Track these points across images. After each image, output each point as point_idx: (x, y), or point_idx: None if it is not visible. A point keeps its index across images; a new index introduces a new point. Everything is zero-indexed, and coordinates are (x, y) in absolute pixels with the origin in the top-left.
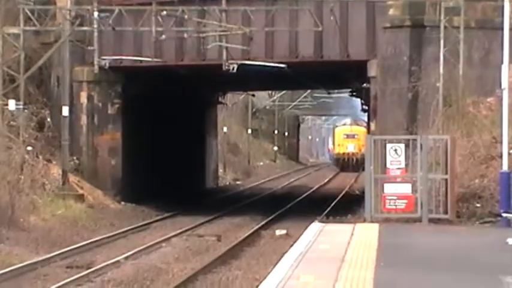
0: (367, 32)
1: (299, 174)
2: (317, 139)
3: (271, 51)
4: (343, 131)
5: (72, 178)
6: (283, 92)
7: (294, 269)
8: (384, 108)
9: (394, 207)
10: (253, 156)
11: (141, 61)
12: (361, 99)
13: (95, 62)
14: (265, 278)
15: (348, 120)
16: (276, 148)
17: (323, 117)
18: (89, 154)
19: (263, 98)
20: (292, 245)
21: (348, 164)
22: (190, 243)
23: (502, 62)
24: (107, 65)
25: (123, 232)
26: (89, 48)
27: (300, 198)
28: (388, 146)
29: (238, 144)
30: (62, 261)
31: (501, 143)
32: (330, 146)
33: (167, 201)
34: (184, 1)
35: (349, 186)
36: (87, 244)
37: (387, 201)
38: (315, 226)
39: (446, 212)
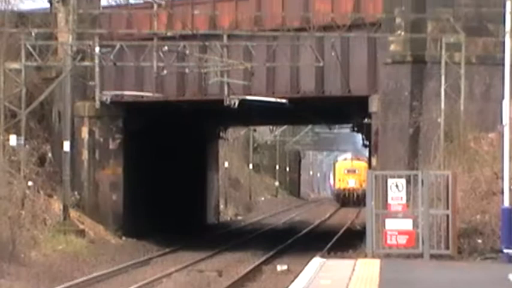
0: (368, 67)
1: (300, 210)
2: (318, 174)
3: (272, 87)
4: (344, 166)
5: (73, 213)
6: (285, 127)
7: None
8: (385, 144)
9: (395, 242)
10: (254, 191)
11: (142, 96)
12: (363, 134)
13: (96, 97)
14: None
15: (348, 155)
16: (277, 183)
17: (324, 153)
18: (90, 189)
19: (264, 133)
20: (293, 281)
21: (349, 199)
22: (191, 278)
23: (503, 98)
24: (108, 100)
25: (124, 267)
26: (91, 83)
27: (301, 233)
28: (390, 181)
29: (240, 179)
30: None
31: (502, 178)
32: (331, 181)
33: (168, 236)
34: (185, 36)
35: (350, 222)
36: (88, 279)
37: (388, 236)
38: (316, 261)
39: (447, 248)
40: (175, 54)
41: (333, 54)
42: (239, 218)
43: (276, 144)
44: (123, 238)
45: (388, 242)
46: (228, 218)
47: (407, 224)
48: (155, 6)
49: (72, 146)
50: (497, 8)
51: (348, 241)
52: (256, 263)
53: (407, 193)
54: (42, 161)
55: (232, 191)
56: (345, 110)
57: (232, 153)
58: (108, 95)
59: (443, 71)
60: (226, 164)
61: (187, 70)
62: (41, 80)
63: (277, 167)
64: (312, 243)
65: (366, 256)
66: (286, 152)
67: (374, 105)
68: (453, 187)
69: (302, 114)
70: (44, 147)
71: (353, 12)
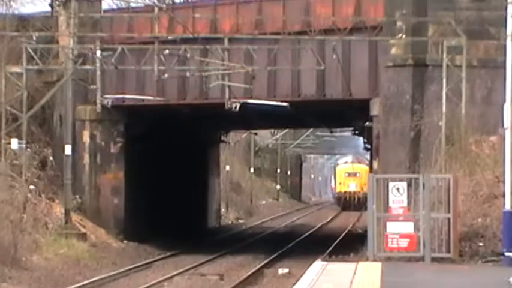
0: (369, 70)
1: (301, 213)
2: (319, 178)
3: (273, 90)
4: (345, 170)
5: (75, 217)
6: (286, 130)
7: None
8: (386, 147)
9: (396, 246)
10: (255, 195)
11: (143, 100)
12: (364, 137)
13: (98, 101)
14: None
15: (349, 158)
16: (278, 187)
17: (325, 156)
18: (92, 193)
19: (265, 137)
20: (294, 284)
21: (350, 203)
22: (192, 282)
23: (504, 101)
24: (110, 103)
25: (125, 271)
26: (92, 87)
27: (303, 237)
28: (391, 184)
29: (241, 183)
30: None
31: (504, 182)
32: (333, 184)
33: (170, 240)
34: (186, 40)
35: (351, 225)
36: (89, 283)
37: (390, 240)
38: (318, 265)
39: (448, 251)
40: (177, 57)
41: (334, 57)
42: (240, 221)
43: (277, 147)
44: (125, 242)
45: (390, 245)
46: (229, 222)
47: (408, 228)
48: (156, 10)
49: (73, 150)
50: (498, 11)
51: (349, 244)
52: (258, 266)
53: (409, 196)
54: (43, 164)
55: (234, 194)
56: (346, 114)
57: (234, 157)
58: (109, 99)
59: (444, 74)
60: (227, 168)
61: (188, 74)
62: (42, 83)
63: (279, 170)
64: (313, 246)
65: (367, 259)
66: (288, 155)
67: (375, 109)
68: (454, 190)
69: (303, 117)
70: (46, 151)
71: (354, 16)
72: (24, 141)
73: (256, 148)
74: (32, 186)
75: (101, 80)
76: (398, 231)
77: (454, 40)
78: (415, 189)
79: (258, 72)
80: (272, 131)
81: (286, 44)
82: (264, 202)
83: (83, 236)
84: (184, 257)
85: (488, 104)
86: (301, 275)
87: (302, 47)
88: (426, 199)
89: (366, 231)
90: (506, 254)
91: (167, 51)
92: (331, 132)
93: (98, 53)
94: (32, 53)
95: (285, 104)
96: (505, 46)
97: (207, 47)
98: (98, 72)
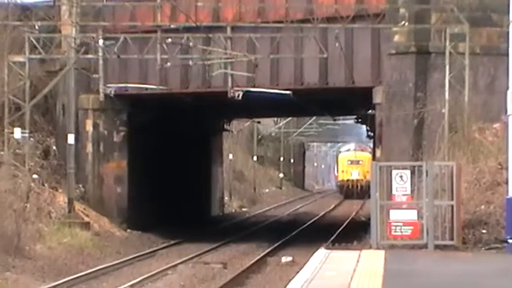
0: (372, 58)
1: (305, 201)
2: (323, 166)
3: (276, 78)
4: (347, 157)
5: (78, 206)
6: (289, 118)
7: None
8: (390, 135)
9: (399, 233)
10: (258, 184)
11: (146, 89)
12: (367, 125)
13: (100, 90)
14: None
15: (352, 146)
16: (281, 175)
17: (328, 144)
18: (95, 182)
19: (268, 125)
20: (298, 272)
21: (353, 191)
22: (196, 270)
23: (507, 88)
24: (112, 92)
25: (129, 260)
26: (94, 76)
27: (306, 225)
28: (394, 172)
29: (244, 171)
30: None
31: (507, 169)
32: (336, 172)
33: (173, 229)
34: (189, 29)
35: (355, 213)
36: (93, 272)
37: (393, 227)
38: (321, 253)
39: (452, 239)
40: (179, 46)
41: (336, 45)
42: (244, 210)
43: (280, 136)
44: (128, 231)
45: (393, 233)
46: (233, 210)
47: (411, 215)
48: None
49: (76, 139)
50: None
51: (352, 232)
52: (261, 254)
53: (412, 184)
54: (46, 154)
55: (237, 183)
56: (349, 102)
57: (237, 146)
58: (112, 88)
59: (447, 61)
60: (230, 157)
61: (191, 62)
62: (45, 73)
63: (282, 159)
64: (317, 234)
65: (370, 247)
66: (291, 143)
67: (378, 97)
68: (457, 178)
69: (306, 105)
70: (49, 140)
71: (357, 3)
72: (27, 131)
73: (259, 136)
74: (35, 176)
75: (103, 69)
76: (402, 219)
77: (456, 27)
78: (418, 176)
79: (260, 61)
80: (275, 119)
81: (289, 32)
82: (267, 190)
83: (86, 225)
84: (187, 245)
85: (491, 91)
86: (305, 263)
87: (305, 35)
88: (429, 187)
89: (369, 219)
90: (510, 241)
91: (170, 40)
92: (334, 120)
93: (101, 42)
94: (35, 42)
95: (287, 92)
96: (507, 33)
97: (210, 35)
98: (101, 61)
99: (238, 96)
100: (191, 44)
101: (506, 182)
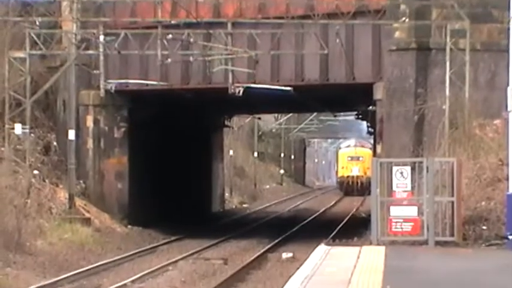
0: (372, 54)
1: (305, 198)
2: (323, 162)
3: (277, 75)
4: (348, 154)
5: (79, 202)
6: (289, 115)
7: None
8: (390, 131)
9: (400, 230)
10: (259, 180)
11: (147, 85)
12: (367, 122)
13: (101, 86)
14: None
15: (352, 142)
16: (282, 171)
17: (329, 140)
18: (96, 178)
19: (269, 121)
20: (298, 268)
21: (353, 187)
22: (196, 266)
23: (508, 84)
24: (113, 88)
25: (129, 256)
26: (95, 72)
27: (306, 221)
28: (394, 168)
29: (245, 167)
30: (69, 285)
31: (507, 165)
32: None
33: (174, 225)
34: (190, 24)
35: (355, 209)
36: (94, 268)
37: (393, 224)
38: (321, 249)
39: (452, 235)
40: (180, 42)
41: (337, 41)
42: (244, 206)
43: (281, 132)
44: (129, 227)
45: (393, 229)
46: (233, 206)
47: (412, 211)
48: None
49: (77, 135)
50: None
51: (352, 229)
52: (262, 250)
53: (412, 180)
54: (47, 150)
55: (237, 179)
56: (350, 98)
57: (237, 142)
58: (112, 84)
59: (448, 58)
60: (231, 153)
61: (191, 58)
62: (46, 68)
63: (282, 155)
64: (317, 231)
65: (370, 243)
66: (291, 140)
67: (379, 93)
68: (458, 174)
69: (307, 102)
70: (49, 136)
71: (357, 0)
72: (27, 127)
73: (260, 133)
74: (35, 172)
75: (104, 65)
76: (402, 215)
77: (457, 24)
78: (419, 173)
79: (261, 57)
80: (276, 115)
81: (289, 28)
82: (267, 186)
83: (87, 221)
84: (188, 241)
85: (491, 87)
86: (305, 259)
87: (305, 31)
88: (430, 183)
89: (369, 215)
90: (510, 237)
91: (170, 36)
92: (335, 116)
93: (101, 38)
94: (35, 38)
95: (288, 88)
96: (508, 29)
97: (210, 31)
98: (101, 57)
99: (239, 92)
100: (192, 40)
101: (507, 178)
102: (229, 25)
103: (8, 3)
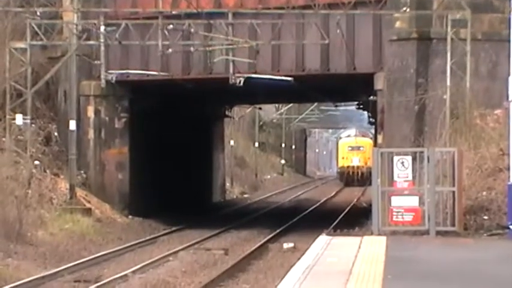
0: (373, 45)
1: (306, 188)
2: (324, 152)
3: (277, 65)
4: (348, 143)
5: (80, 192)
6: (290, 105)
7: (301, 282)
8: (391, 121)
9: (401, 220)
10: (260, 170)
11: (147, 75)
12: (368, 112)
13: (102, 76)
14: None
15: (352, 132)
16: (283, 161)
17: (330, 130)
18: (96, 168)
19: (270, 111)
20: (299, 258)
21: (353, 178)
22: (197, 256)
23: (509, 74)
24: (114, 79)
25: (130, 246)
26: (96, 62)
27: (307, 211)
28: (395, 158)
29: (245, 157)
30: (70, 276)
31: (508, 155)
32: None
33: (174, 215)
34: (190, 15)
35: (356, 199)
36: (94, 258)
37: (394, 214)
38: (322, 239)
39: (453, 225)
40: (181, 33)
41: (338, 31)
42: (245, 196)
43: (282, 122)
44: (130, 217)
45: (394, 219)
46: (234, 197)
47: (413, 201)
48: None
49: (78, 126)
50: None
51: (354, 219)
52: (263, 241)
53: (413, 170)
54: (48, 140)
55: (238, 169)
56: (351, 88)
57: (238, 132)
58: (113, 74)
59: (449, 48)
60: (232, 143)
61: (192, 49)
62: (47, 59)
63: (283, 145)
64: (318, 221)
65: (371, 234)
66: (292, 130)
67: (379, 83)
68: (459, 164)
69: (307, 92)
70: (50, 127)
71: None
72: (28, 117)
73: (261, 123)
74: (36, 162)
75: (105, 56)
76: (403, 205)
77: (458, 13)
78: (420, 163)
79: (262, 47)
80: (276, 105)
81: (290, 18)
82: (268, 177)
83: (87, 212)
84: (189, 231)
85: (492, 77)
86: (306, 250)
87: (306, 21)
88: (431, 173)
89: (370, 205)
90: (511, 227)
91: (171, 26)
92: (336, 106)
93: (102, 28)
94: (36, 28)
95: (289, 78)
96: (509, 19)
97: (211, 21)
98: (102, 48)
99: (240, 82)
100: (192, 30)
101: (508, 168)
102: (230, 15)
103: None
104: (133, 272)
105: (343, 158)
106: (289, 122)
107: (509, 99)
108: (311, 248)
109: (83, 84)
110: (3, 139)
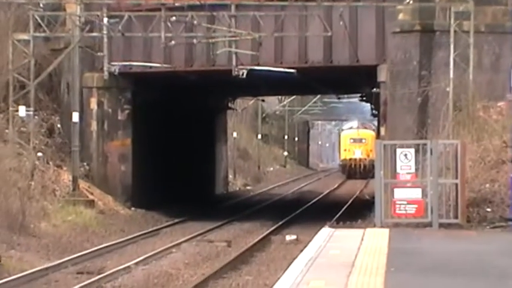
0: (376, 37)
1: (309, 180)
2: (327, 144)
3: (280, 57)
4: (350, 135)
5: (83, 184)
6: (293, 97)
7: (303, 274)
8: (394, 113)
9: (404, 212)
10: (263, 162)
11: (150, 67)
12: (371, 104)
13: (105, 68)
14: (275, 283)
15: (354, 123)
16: (286, 153)
17: (333, 122)
18: (99, 160)
19: (273, 103)
20: (302, 251)
21: (355, 170)
22: (200, 248)
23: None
24: (117, 71)
25: (133, 238)
26: (99, 54)
27: (310, 203)
28: (398, 151)
29: (248, 149)
30: (73, 267)
31: (511, 147)
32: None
33: (177, 207)
34: (193, 7)
35: (359, 192)
36: (97, 250)
37: (397, 206)
38: (325, 231)
39: (456, 217)
40: (183, 24)
41: (341, 23)
42: (248, 188)
43: (285, 114)
44: (132, 209)
45: (397, 211)
46: (237, 189)
47: (416, 194)
48: None
49: (81, 117)
50: None
51: (356, 211)
52: (265, 233)
53: (416, 162)
54: (51, 132)
55: (241, 161)
56: (354, 80)
57: (241, 124)
58: (116, 66)
59: (452, 40)
60: (234, 135)
61: (195, 41)
62: (50, 51)
63: (286, 137)
64: (321, 213)
65: (374, 226)
66: (295, 122)
67: (382, 75)
68: (462, 156)
69: (310, 84)
70: (53, 119)
71: None
72: (31, 109)
73: (264, 115)
74: (39, 154)
75: (108, 47)
76: (406, 197)
77: (461, 6)
78: (423, 155)
79: (265, 39)
80: (279, 97)
81: (293, 10)
82: (271, 169)
83: (90, 203)
84: (192, 223)
85: (496, 69)
86: (309, 242)
87: (309, 13)
88: (434, 165)
89: (373, 197)
90: None
91: (174, 18)
92: (339, 98)
93: (105, 20)
94: (39, 20)
95: (292, 70)
96: None
97: (214, 13)
98: (105, 40)
99: (243, 74)
100: (195, 22)
101: (511, 161)
102: (232, 7)
103: None
104: (136, 263)
105: (345, 150)
106: (292, 114)
107: None
108: (314, 240)
109: (85, 76)
110: (6, 131)
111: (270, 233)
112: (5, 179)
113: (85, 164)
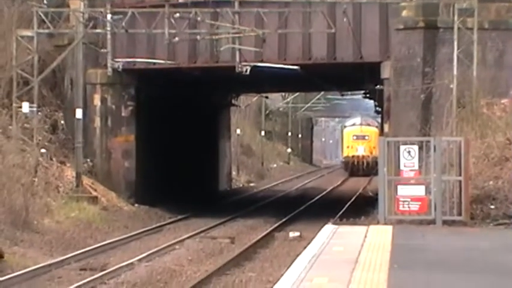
0: (380, 33)
1: (312, 176)
2: (330, 141)
3: (284, 53)
4: (353, 132)
5: (86, 180)
6: (297, 93)
7: (307, 271)
8: (397, 110)
9: (407, 209)
10: (266, 158)
11: (154, 63)
12: (375, 100)
13: (109, 65)
14: (278, 280)
15: (357, 120)
16: (289, 150)
17: (336, 119)
18: (103, 156)
19: (276, 100)
20: (305, 247)
21: (358, 168)
22: (203, 245)
23: None
24: (120, 67)
25: (136, 234)
26: (102, 50)
27: (314, 200)
28: (402, 147)
29: (252, 146)
30: (76, 264)
31: None
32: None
33: (180, 204)
34: (197, 3)
35: (362, 188)
36: (101, 246)
37: (401, 203)
38: (329, 228)
39: (460, 214)
40: (187, 21)
41: (344, 20)
42: (251, 185)
43: (288, 111)
44: (136, 205)
45: (401, 208)
46: (241, 185)
47: (419, 191)
48: None
49: (84, 114)
50: None
51: (360, 208)
52: (269, 229)
53: (420, 159)
54: (54, 128)
55: (245, 158)
56: (357, 76)
57: (244, 121)
58: (120, 62)
59: (455, 36)
60: (238, 131)
61: (198, 37)
62: (53, 47)
63: (290, 133)
64: (324, 209)
65: (378, 223)
66: (299, 118)
67: (386, 72)
68: (466, 153)
69: (314, 80)
70: (57, 115)
71: None
72: (35, 105)
73: (267, 111)
74: (43, 150)
75: (111, 44)
76: (410, 194)
77: (465, 2)
78: (426, 152)
79: (268, 36)
80: (283, 94)
81: (297, 7)
82: (275, 165)
83: (94, 200)
84: (195, 220)
85: (499, 66)
86: (312, 238)
87: (313, 10)
88: (437, 162)
89: (376, 194)
90: None
91: (178, 15)
92: (342, 95)
93: (109, 16)
94: (43, 16)
95: (295, 67)
96: None
97: (218, 10)
98: (109, 36)
99: (246, 71)
100: (199, 18)
101: None
102: (236, 4)
103: None
104: (140, 260)
105: (348, 147)
106: (296, 111)
107: None
108: (317, 236)
109: (89, 72)
110: (10, 127)
111: (274, 230)
112: (8, 175)
113: (88, 160)
